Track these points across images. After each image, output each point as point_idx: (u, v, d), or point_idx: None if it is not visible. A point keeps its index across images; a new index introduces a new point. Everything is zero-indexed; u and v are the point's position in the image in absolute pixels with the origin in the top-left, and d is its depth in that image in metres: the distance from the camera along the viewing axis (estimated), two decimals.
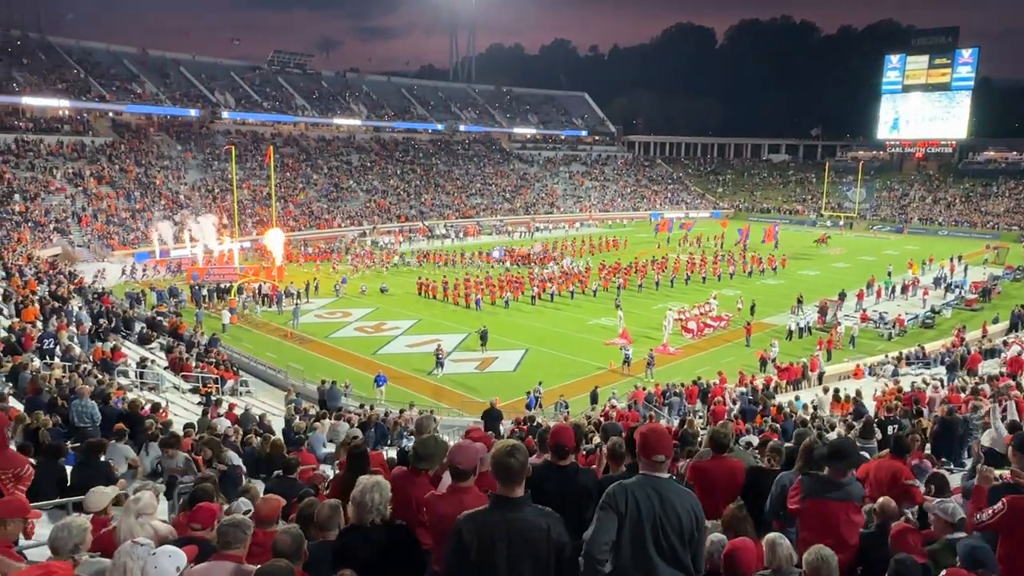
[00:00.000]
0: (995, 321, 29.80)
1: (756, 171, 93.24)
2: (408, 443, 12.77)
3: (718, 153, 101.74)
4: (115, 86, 60.64)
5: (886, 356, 24.83)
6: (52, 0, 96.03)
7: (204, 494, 5.08)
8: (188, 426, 12.24)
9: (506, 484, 3.03)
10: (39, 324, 18.47)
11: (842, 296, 35.16)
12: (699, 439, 7.94)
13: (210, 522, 4.22)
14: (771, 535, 3.73)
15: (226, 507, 5.43)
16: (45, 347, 16.53)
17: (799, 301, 32.84)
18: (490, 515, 3.00)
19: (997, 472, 5.45)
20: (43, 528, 5.07)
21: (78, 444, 9.13)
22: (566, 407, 20.18)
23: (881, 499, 4.66)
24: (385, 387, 22.69)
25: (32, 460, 6.90)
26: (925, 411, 13.63)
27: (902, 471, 5.48)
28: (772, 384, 21.86)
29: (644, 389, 20.96)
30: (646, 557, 3.12)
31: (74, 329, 19.63)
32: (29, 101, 53.95)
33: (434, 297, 36.56)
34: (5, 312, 19.56)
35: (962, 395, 14.19)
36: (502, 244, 52.51)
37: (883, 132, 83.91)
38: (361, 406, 19.60)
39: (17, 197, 43.13)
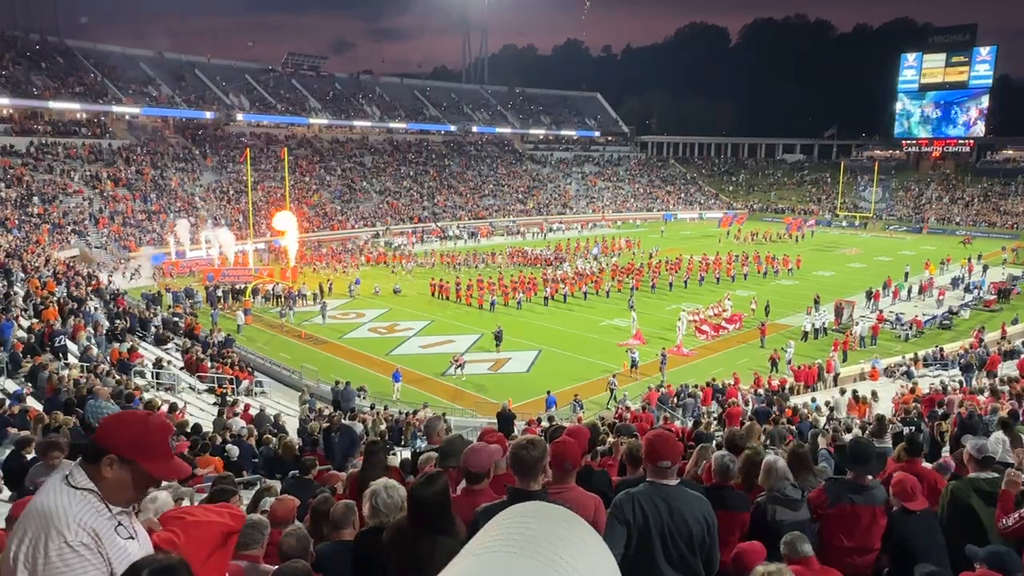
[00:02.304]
0: (1014, 322, 29.41)
1: (770, 171, 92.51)
2: (421, 444, 12.77)
3: (732, 153, 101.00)
4: (131, 89, 61.21)
5: (902, 358, 24.60)
6: (70, 4, 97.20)
7: (223, 494, 5.11)
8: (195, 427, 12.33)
9: (523, 477, 3.05)
10: (58, 325, 18.69)
11: (869, 295, 34.88)
12: (716, 440, 7.89)
13: None
14: (769, 458, 4.36)
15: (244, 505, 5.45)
16: (57, 344, 16.73)
17: (816, 302, 32.57)
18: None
19: None
20: None
21: None
22: (581, 407, 20.14)
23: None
24: (400, 384, 22.83)
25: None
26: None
27: None
28: (787, 385, 21.73)
29: (658, 390, 20.86)
30: (654, 566, 3.11)
31: (91, 330, 19.83)
32: (47, 104, 54.58)
33: (447, 298, 36.62)
34: (25, 313, 19.79)
35: (981, 397, 14.03)
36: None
37: (899, 131, 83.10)
38: (372, 407, 19.63)
39: (36, 199, 43.70)
